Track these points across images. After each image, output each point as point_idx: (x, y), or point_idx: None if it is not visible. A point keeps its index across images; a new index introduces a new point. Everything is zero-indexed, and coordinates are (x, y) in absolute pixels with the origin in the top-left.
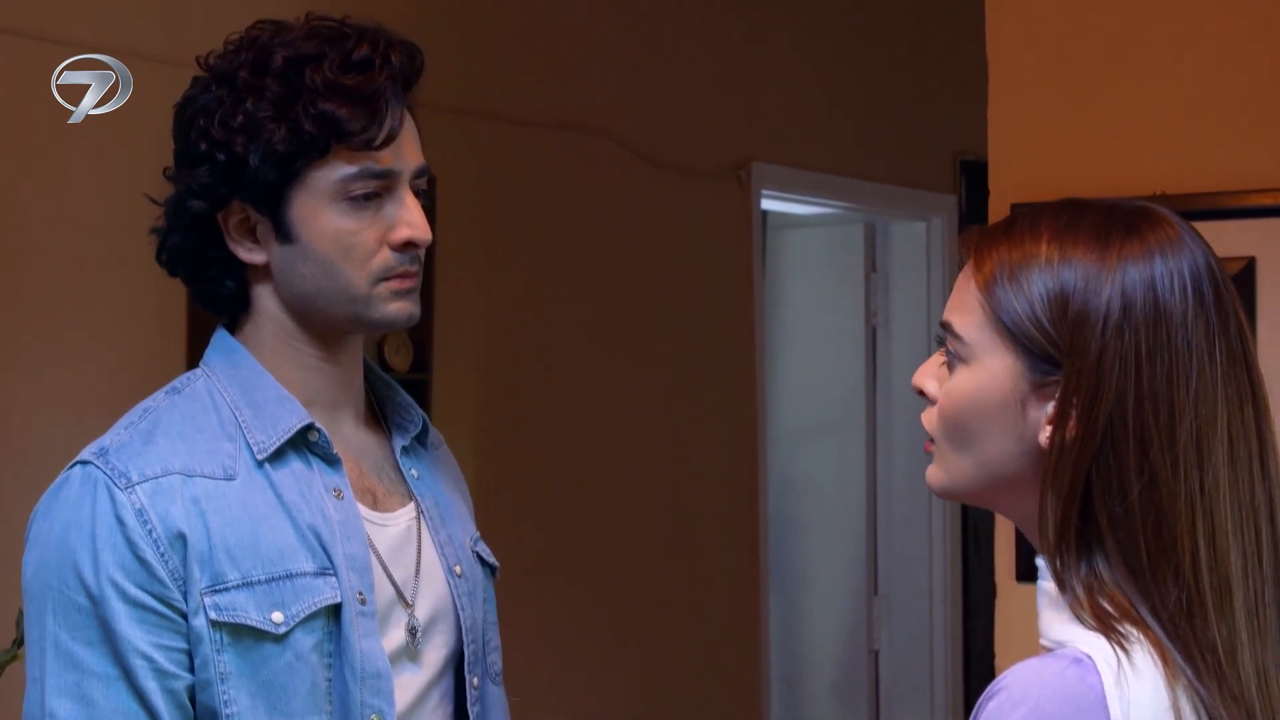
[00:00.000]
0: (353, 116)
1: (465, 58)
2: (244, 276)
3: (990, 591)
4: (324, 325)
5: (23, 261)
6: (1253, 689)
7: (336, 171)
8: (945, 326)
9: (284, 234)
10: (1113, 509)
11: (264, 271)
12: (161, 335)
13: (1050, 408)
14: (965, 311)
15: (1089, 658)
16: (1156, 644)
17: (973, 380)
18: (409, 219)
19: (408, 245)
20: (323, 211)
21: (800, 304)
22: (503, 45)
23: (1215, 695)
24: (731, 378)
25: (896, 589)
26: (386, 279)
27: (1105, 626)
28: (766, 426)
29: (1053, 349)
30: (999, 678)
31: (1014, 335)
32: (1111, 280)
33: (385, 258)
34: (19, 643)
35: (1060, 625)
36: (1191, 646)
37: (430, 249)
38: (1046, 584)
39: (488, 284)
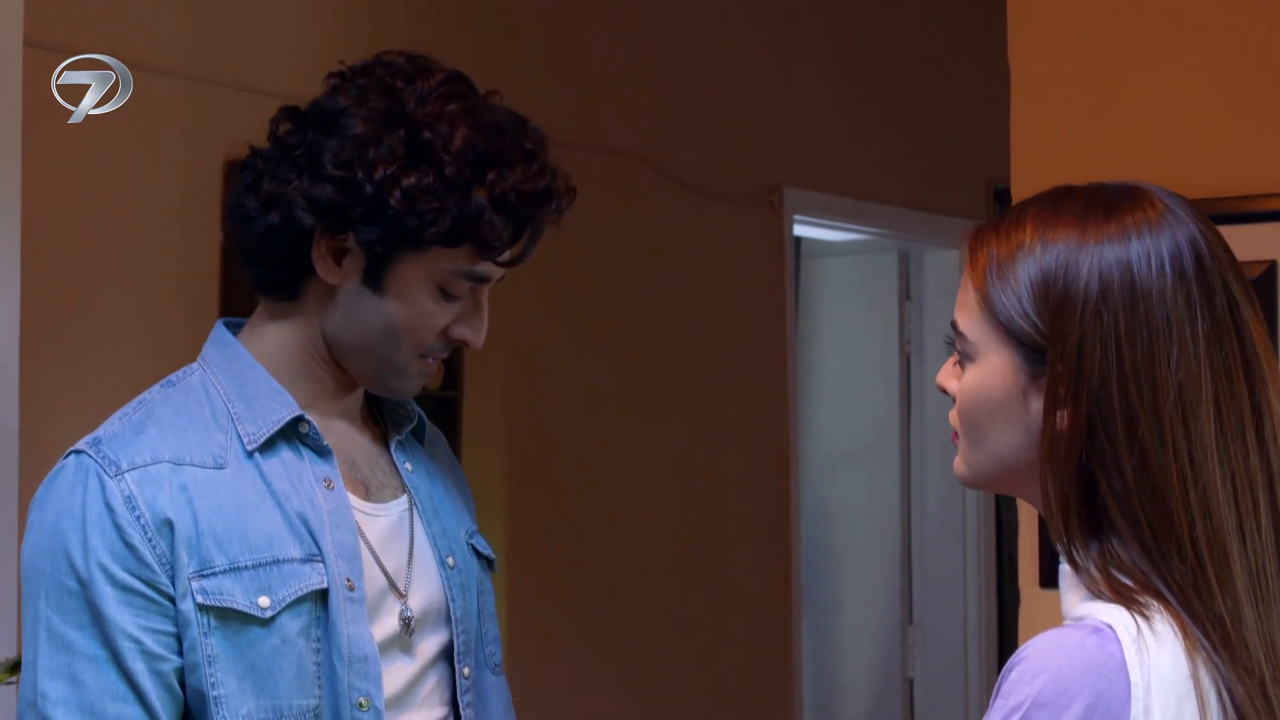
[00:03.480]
0: (503, 233)
1: (496, 80)
2: (302, 275)
3: None
4: (344, 367)
5: (61, 273)
6: (1260, 659)
7: (455, 263)
8: (953, 326)
9: (372, 279)
10: (1114, 489)
11: (326, 289)
12: (195, 345)
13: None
14: (966, 310)
15: (1109, 627)
16: (1175, 616)
17: (978, 377)
18: (476, 326)
19: (458, 341)
20: (420, 285)
21: (834, 331)
22: (535, 68)
23: (1229, 668)
24: (763, 403)
25: (931, 617)
26: (424, 356)
27: (1124, 599)
28: (800, 454)
29: (1041, 339)
30: (1020, 649)
31: (1008, 330)
32: (1088, 264)
33: (435, 342)
34: None
35: (1081, 602)
36: (1202, 619)
37: None
38: (1065, 566)
39: (518, 304)
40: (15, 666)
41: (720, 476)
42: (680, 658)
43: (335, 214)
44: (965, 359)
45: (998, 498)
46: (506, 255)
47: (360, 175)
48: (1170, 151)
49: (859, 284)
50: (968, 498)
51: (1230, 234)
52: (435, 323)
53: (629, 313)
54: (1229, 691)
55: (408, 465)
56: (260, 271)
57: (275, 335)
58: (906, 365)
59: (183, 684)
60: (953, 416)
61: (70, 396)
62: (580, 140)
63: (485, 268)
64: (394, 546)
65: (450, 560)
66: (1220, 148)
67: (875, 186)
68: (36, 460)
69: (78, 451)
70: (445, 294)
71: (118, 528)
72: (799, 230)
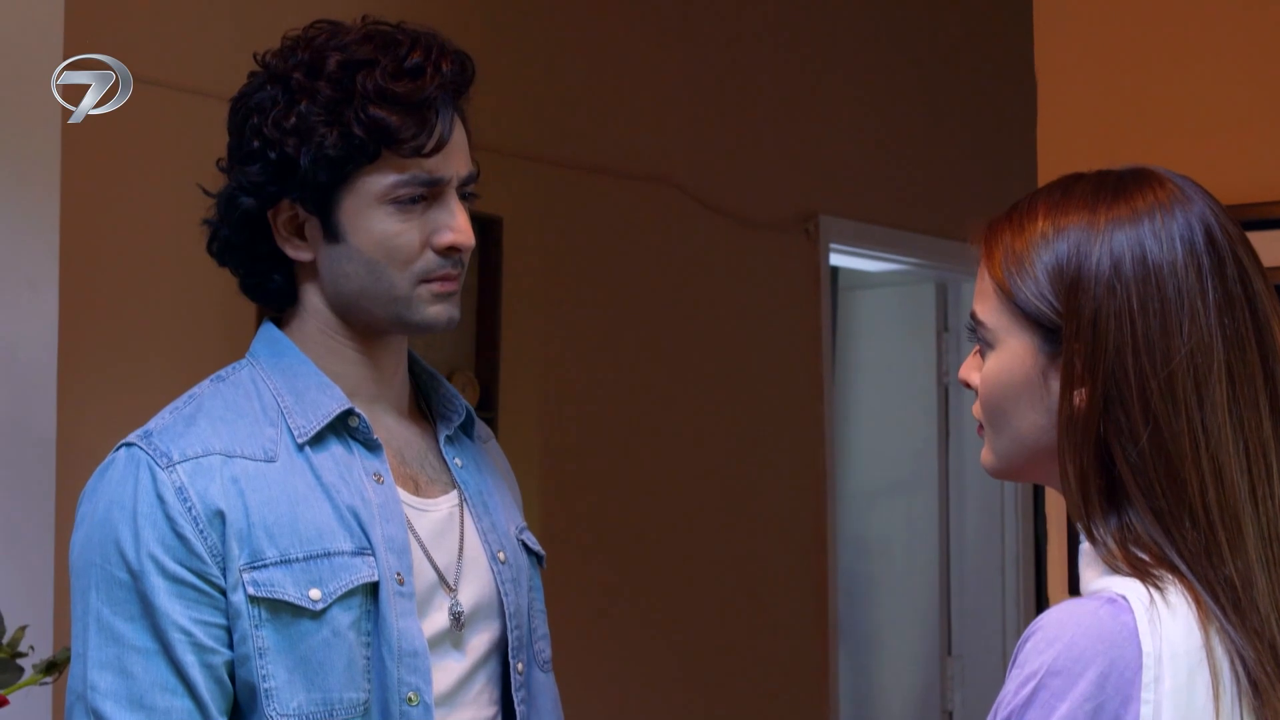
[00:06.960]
0: (403, 124)
1: (533, 104)
2: (292, 272)
3: None
4: (367, 324)
5: (99, 281)
6: (1272, 622)
7: (386, 177)
8: (972, 317)
9: (331, 234)
10: (1130, 459)
11: (310, 268)
12: (231, 351)
13: None
14: (985, 299)
15: (1123, 598)
16: (1190, 588)
17: (999, 362)
18: (453, 224)
19: (450, 250)
20: (370, 213)
21: (872, 363)
22: (572, 93)
23: (1240, 632)
24: (800, 434)
25: (970, 649)
26: (428, 280)
27: (1139, 572)
28: (837, 485)
29: (1058, 319)
30: (1036, 619)
31: (1025, 313)
32: (1100, 243)
33: (428, 260)
34: None
35: (1098, 576)
36: (1213, 585)
37: (496, 291)
38: (1085, 544)
39: (553, 327)
40: (50, 667)
41: (757, 507)
42: (716, 688)
43: (263, 187)
44: (986, 347)
45: (1037, 529)
46: (430, 143)
47: (257, 144)
48: (1198, 159)
49: (897, 315)
50: (1006, 529)
51: (1261, 239)
52: (407, 240)
53: (664, 339)
54: (1241, 659)
55: (457, 460)
56: (265, 292)
57: (301, 334)
58: (945, 396)
59: (232, 677)
60: (976, 409)
61: (107, 403)
62: (616, 167)
63: (423, 170)
64: (444, 542)
65: (501, 555)
66: (1248, 154)
67: (912, 215)
68: (74, 467)
69: (128, 444)
70: (402, 209)
71: (169, 519)
72: (835, 260)
